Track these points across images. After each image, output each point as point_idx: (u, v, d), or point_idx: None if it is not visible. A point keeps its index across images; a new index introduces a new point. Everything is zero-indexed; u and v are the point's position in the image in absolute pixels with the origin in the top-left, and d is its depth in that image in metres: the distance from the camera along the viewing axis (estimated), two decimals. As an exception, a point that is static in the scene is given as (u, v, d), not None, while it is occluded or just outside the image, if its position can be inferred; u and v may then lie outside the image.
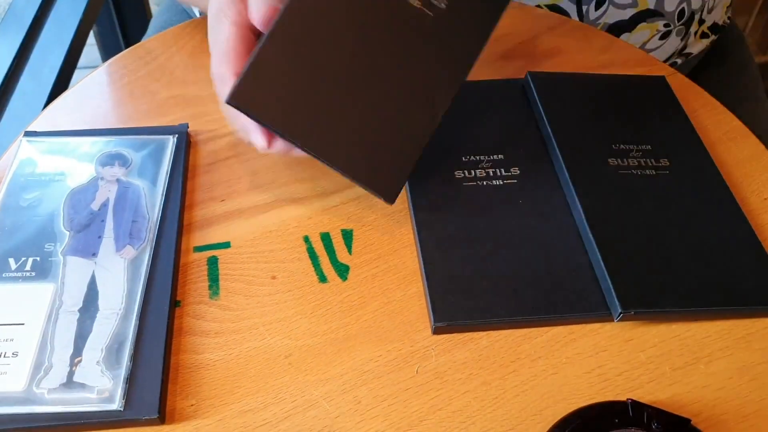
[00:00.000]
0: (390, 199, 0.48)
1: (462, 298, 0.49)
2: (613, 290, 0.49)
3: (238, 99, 0.46)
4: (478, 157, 0.58)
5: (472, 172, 0.57)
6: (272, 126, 0.47)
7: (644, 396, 0.46)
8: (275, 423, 0.45)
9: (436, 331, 0.49)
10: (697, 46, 0.85)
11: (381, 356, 0.48)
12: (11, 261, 0.50)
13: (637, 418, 0.43)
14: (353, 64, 0.47)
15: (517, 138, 0.60)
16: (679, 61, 0.85)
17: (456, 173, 0.57)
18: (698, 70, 0.90)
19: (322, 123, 0.47)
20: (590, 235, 0.52)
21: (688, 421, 0.43)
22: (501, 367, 0.48)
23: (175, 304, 0.50)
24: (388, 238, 0.54)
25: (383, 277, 0.52)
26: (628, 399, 0.44)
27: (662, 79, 0.66)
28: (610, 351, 0.48)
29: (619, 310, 0.48)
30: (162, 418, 0.44)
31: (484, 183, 0.57)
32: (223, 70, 0.50)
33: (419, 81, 0.47)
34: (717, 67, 0.90)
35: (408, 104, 0.47)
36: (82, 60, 1.12)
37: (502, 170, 0.57)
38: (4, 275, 0.49)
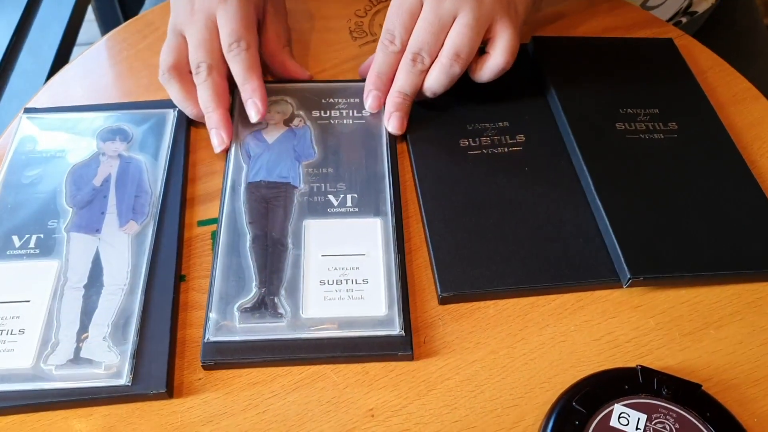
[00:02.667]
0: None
1: (468, 268, 0.49)
2: (621, 256, 0.48)
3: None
4: (483, 125, 0.57)
5: (477, 140, 0.56)
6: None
7: (654, 362, 0.46)
8: (283, 395, 0.45)
9: (443, 300, 0.48)
10: (702, 5, 0.83)
11: (388, 327, 0.48)
12: (15, 238, 0.50)
13: (647, 385, 0.43)
14: None
15: (523, 104, 0.60)
16: (684, 20, 0.83)
17: (461, 142, 0.56)
18: (706, 31, 0.88)
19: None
20: (598, 201, 0.51)
21: (699, 386, 0.43)
22: (509, 335, 0.47)
23: (180, 278, 0.50)
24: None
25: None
26: (637, 365, 0.44)
27: (669, 41, 0.65)
28: (619, 317, 0.48)
29: (628, 276, 0.47)
30: (170, 392, 0.44)
31: (490, 151, 0.56)
32: (250, 37, 0.57)
33: None
34: (725, 28, 0.88)
35: None
36: (83, 37, 1.11)
37: (508, 138, 0.57)
38: (8, 253, 0.49)
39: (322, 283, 0.48)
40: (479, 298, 0.49)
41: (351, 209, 0.52)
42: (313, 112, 0.58)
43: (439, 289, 0.48)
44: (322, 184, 0.53)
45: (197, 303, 0.49)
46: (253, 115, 0.55)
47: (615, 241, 0.49)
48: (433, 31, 0.54)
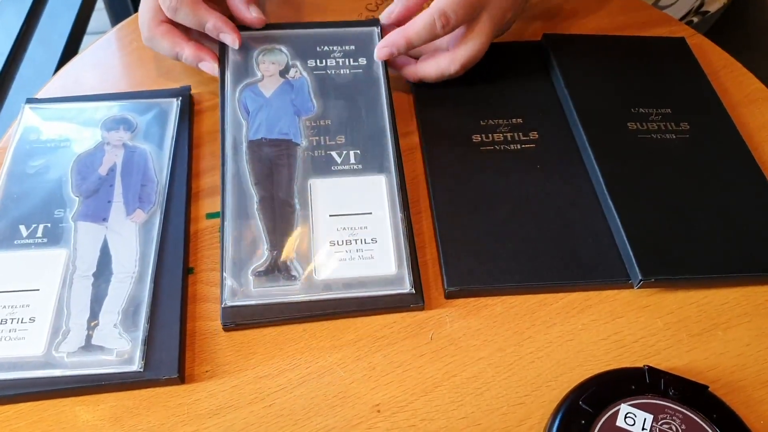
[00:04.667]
0: None
1: (476, 263, 0.49)
2: (633, 257, 0.48)
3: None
4: (496, 121, 0.57)
5: (490, 136, 0.56)
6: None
7: (661, 363, 0.46)
8: (290, 389, 0.45)
9: (449, 295, 0.48)
10: (714, 4, 0.83)
11: (395, 322, 0.48)
12: (22, 228, 0.50)
13: (654, 385, 0.43)
14: None
15: (537, 101, 0.59)
16: (695, 19, 0.83)
17: (473, 137, 0.56)
18: (717, 31, 0.87)
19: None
20: (609, 201, 0.51)
21: (706, 387, 0.43)
22: (516, 333, 0.47)
23: (188, 264, 0.50)
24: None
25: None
26: (644, 365, 0.44)
27: (682, 40, 0.65)
28: (627, 317, 0.48)
29: (640, 277, 0.47)
30: (181, 378, 0.45)
31: (502, 147, 0.56)
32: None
33: None
34: (736, 28, 0.88)
35: None
36: (92, 25, 1.11)
37: (521, 134, 0.56)
38: (16, 242, 0.49)
39: (332, 243, 0.49)
40: (486, 294, 0.49)
41: (355, 166, 0.52)
42: (309, 62, 0.58)
43: (445, 284, 0.48)
44: (322, 138, 0.54)
45: (205, 296, 0.49)
46: (233, 44, 0.57)
47: (626, 241, 0.49)
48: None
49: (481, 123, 0.57)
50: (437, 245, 0.50)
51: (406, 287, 0.47)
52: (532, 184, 0.54)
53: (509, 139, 0.56)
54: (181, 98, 0.59)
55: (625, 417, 0.42)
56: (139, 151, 0.55)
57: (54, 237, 0.50)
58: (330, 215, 0.50)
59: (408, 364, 0.46)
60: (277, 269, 0.47)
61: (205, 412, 0.44)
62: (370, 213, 0.50)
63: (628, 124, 0.56)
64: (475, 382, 0.45)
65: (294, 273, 0.47)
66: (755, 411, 0.44)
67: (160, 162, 0.55)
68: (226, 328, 0.47)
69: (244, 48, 0.58)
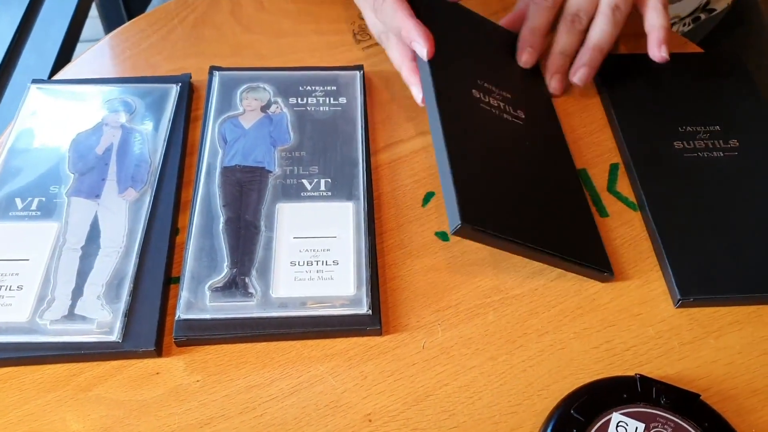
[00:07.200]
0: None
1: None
2: (672, 276, 0.48)
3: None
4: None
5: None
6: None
7: (653, 371, 0.46)
8: (281, 398, 0.45)
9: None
10: (721, 2, 0.84)
11: (386, 331, 0.48)
12: (18, 201, 0.52)
13: (646, 393, 0.43)
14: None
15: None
16: (702, 16, 0.84)
17: (675, 144, 0.56)
18: (721, 32, 0.87)
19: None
20: (653, 222, 0.51)
21: (697, 396, 0.43)
22: (508, 342, 0.47)
23: (174, 242, 0.52)
24: (395, 212, 0.54)
25: (389, 253, 0.52)
26: (636, 374, 0.44)
27: (735, 55, 0.64)
28: (618, 326, 0.48)
29: (678, 297, 0.48)
30: (159, 351, 0.46)
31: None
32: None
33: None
34: (735, 30, 0.88)
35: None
36: (85, 33, 1.11)
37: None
38: (10, 214, 0.51)
39: (292, 264, 0.49)
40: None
41: (324, 193, 0.53)
42: (290, 99, 0.60)
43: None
44: (295, 167, 0.54)
45: (196, 305, 0.49)
46: (423, 54, 0.53)
47: (666, 260, 0.49)
48: None
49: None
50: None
51: (363, 308, 0.47)
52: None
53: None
54: (180, 84, 0.60)
55: (617, 426, 0.42)
56: (136, 132, 0.57)
57: (47, 211, 0.52)
58: (294, 237, 0.50)
59: (400, 373, 0.46)
60: (234, 286, 0.48)
61: (196, 423, 0.44)
62: (335, 237, 0.50)
63: (675, 143, 0.56)
64: (467, 391, 0.45)
65: (251, 290, 0.47)
66: (746, 420, 0.44)
67: (155, 144, 0.56)
68: (178, 342, 0.46)
69: (230, 84, 0.60)
